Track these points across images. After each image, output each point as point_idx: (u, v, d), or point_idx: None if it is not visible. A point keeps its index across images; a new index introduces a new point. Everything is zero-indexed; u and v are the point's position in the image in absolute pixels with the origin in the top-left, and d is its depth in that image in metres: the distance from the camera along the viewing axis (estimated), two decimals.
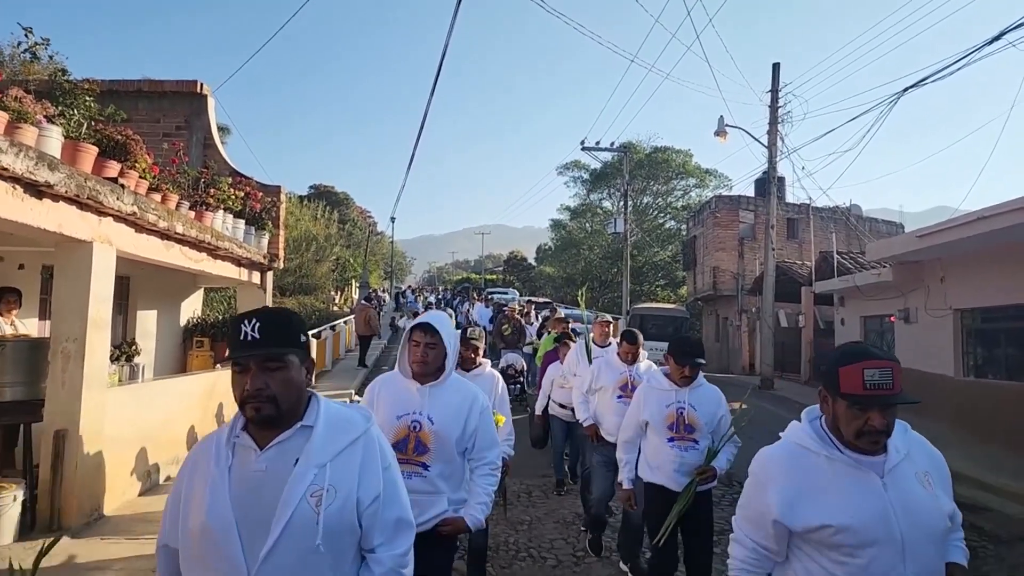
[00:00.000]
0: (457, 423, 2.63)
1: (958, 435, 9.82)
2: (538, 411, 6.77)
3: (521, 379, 11.29)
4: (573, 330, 7.50)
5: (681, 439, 3.62)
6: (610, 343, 5.84)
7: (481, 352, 4.06)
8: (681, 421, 3.62)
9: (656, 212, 41.39)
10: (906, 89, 11.58)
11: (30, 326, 6.25)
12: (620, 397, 4.76)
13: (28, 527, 4.50)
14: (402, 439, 2.58)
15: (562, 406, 6.40)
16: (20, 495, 4.37)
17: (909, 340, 12.31)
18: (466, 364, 3.92)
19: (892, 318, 13.05)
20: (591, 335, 5.93)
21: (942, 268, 11.03)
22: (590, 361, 5.45)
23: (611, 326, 6.61)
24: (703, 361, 3.73)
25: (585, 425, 5.08)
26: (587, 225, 43.92)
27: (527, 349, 12.28)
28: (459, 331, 3.71)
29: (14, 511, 4.31)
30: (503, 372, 11.00)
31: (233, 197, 7.46)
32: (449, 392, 2.68)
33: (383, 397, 2.74)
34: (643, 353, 4.97)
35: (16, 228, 4.06)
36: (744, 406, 3.59)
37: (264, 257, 8.59)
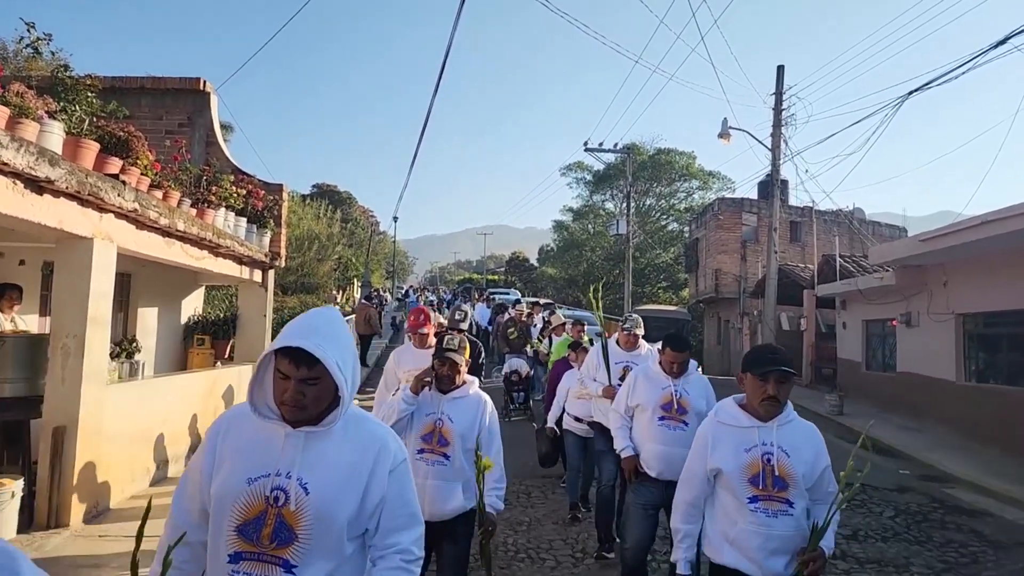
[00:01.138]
0: (349, 492, 1.60)
1: (959, 439, 9.80)
2: (550, 423, 6.28)
3: (524, 388, 10.75)
4: (592, 337, 6.80)
5: (769, 499, 2.45)
6: (640, 349, 5.09)
7: (464, 367, 3.14)
8: (770, 472, 2.48)
9: (659, 214, 41.37)
10: (911, 92, 11.56)
11: (30, 322, 6.25)
12: (663, 420, 3.86)
13: (26, 523, 4.50)
14: (255, 517, 1.55)
15: (578, 419, 5.73)
16: (19, 491, 4.37)
17: (911, 344, 12.27)
18: (442, 384, 3.10)
19: (894, 322, 13.02)
20: (613, 338, 5.21)
21: (945, 272, 10.99)
22: (609, 370, 4.89)
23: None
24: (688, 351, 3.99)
25: (624, 456, 4.03)
26: (589, 226, 43.91)
27: (529, 351, 11.64)
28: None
29: (12, 507, 4.31)
30: (506, 379, 10.64)
31: (235, 195, 7.46)
32: (337, 442, 1.63)
33: (229, 445, 1.65)
34: (692, 363, 4.11)
35: (17, 224, 4.06)
36: (854, 462, 2.46)
37: (266, 255, 8.59)
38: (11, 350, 4.85)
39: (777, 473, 2.46)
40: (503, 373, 10.99)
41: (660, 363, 4.07)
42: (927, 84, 11.05)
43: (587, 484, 6.17)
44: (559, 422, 6.12)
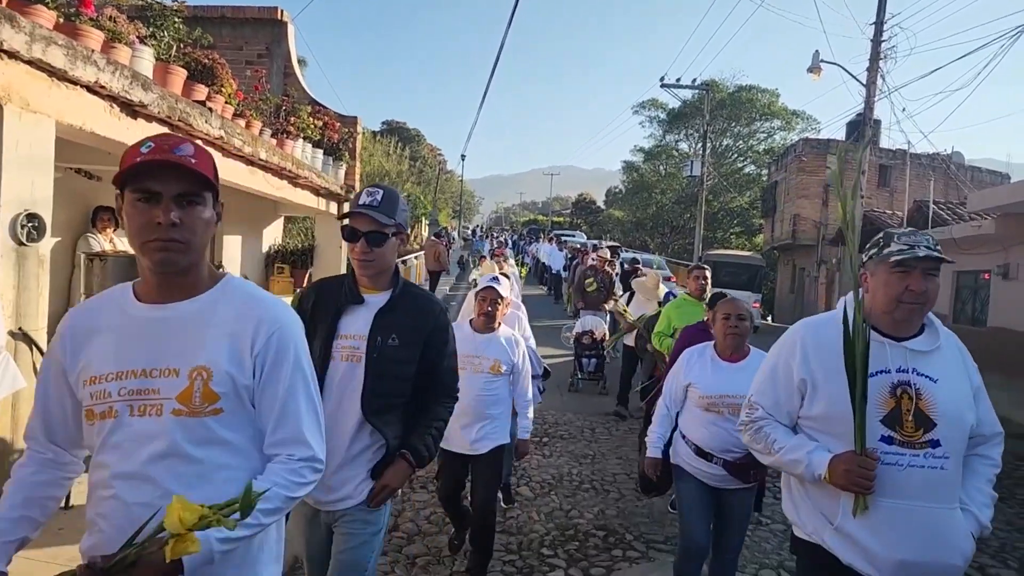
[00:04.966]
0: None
1: None
2: (651, 452, 3.28)
3: (602, 351, 8.68)
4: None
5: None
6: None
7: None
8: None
9: (736, 155, 39.52)
10: None
11: (127, 245, 6.65)
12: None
13: None
14: None
15: (703, 453, 3.06)
16: None
17: (1007, 298, 11.47)
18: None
19: (987, 275, 12.16)
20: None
21: None
22: None
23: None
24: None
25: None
26: (661, 168, 42.51)
27: (611, 307, 9.04)
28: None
29: None
30: (577, 340, 8.63)
31: (312, 126, 7.58)
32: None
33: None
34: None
35: (113, 147, 4.26)
36: None
37: (341, 188, 8.76)
38: (112, 268, 5.17)
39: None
40: (572, 333, 8.88)
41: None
42: None
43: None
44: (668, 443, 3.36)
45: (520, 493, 4.98)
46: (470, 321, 3.71)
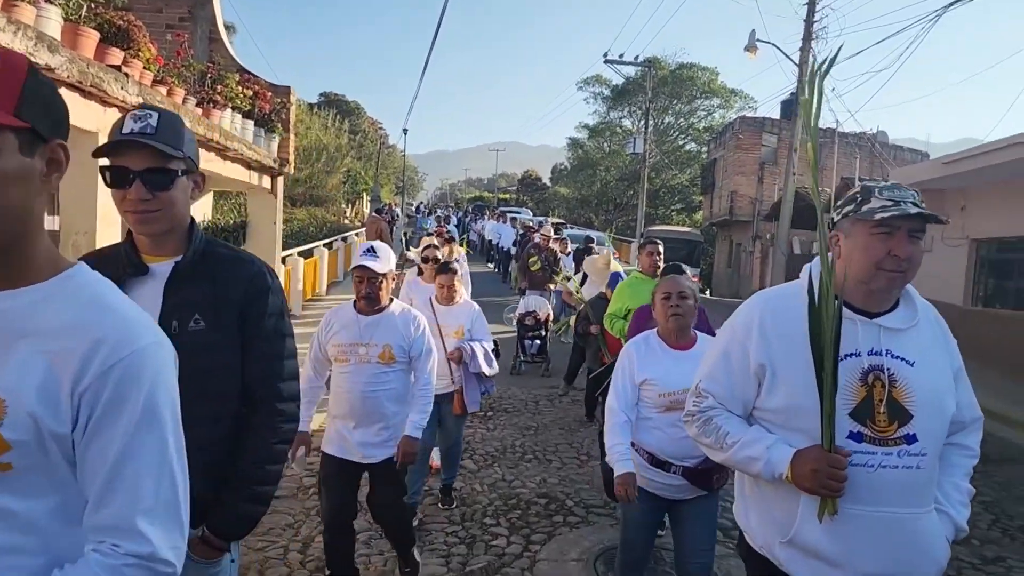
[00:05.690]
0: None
1: (965, 363, 9.92)
2: (622, 467, 2.57)
3: (544, 332, 8.31)
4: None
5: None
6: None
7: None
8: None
9: (677, 133, 40.27)
10: (950, 4, 10.89)
11: (51, 222, 6.28)
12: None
13: None
14: None
15: (659, 463, 2.67)
16: None
17: (922, 268, 12.19)
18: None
19: None
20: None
21: (964, 198, 10.82)
22: None
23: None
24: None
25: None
26: (605, 145, 42.93)
27: (559, 287, 8.73)
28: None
29: None
30: (520, 322, 8.28)
31: (241, 96, 7.29)
32: None
33: None
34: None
35: None
36: None
37: (274, 161, 8.49)
38: None
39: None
40: (515, 314, 8.53)
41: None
42: None
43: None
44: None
45: (464, 466, 5.01)
46: (353, 302, 3.08)
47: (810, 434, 1.57)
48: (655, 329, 2.83)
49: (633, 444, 2.64)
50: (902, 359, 1.59)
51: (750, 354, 1.66)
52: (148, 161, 1.49)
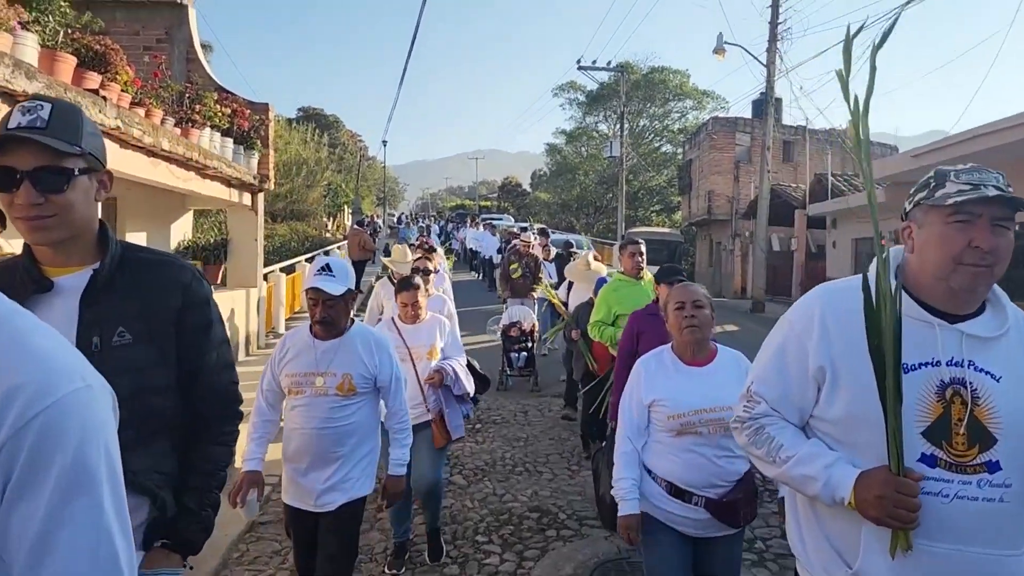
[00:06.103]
0: None
1: None
2: (626, 507, 2.42)
3: (530, 343, 7.90)
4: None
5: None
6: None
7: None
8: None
9: (652, 135, 40.73)
10: (908, 1, 11.18)
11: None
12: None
13: None
14: None
15: (679, 492, 2.39)
16: None
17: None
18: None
19: (884, 241, 13.12)
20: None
21: None
22: None
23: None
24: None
25: None
26: (583, 149, 43.27)
27: (540, 294, 8.41)
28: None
29: None
30: (504, 333, 7.82)
31: (220, 114, 7.29)
32: None
33: None
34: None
35: None
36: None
37: (254, 178, 8.49)
38: None
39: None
40: (499, 326, 8.02)
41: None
42: None
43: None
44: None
45: (453, 481, 4.95)
46: (310, 327, 2.70)
47: (873, 451, 1.35)
48: (669, 344, 2.55)
49: (651, 473, 2.40)
50: (987, 372, 1.35)
51: (809, 353, 1.44)
52: (38, 159, 1.30)
